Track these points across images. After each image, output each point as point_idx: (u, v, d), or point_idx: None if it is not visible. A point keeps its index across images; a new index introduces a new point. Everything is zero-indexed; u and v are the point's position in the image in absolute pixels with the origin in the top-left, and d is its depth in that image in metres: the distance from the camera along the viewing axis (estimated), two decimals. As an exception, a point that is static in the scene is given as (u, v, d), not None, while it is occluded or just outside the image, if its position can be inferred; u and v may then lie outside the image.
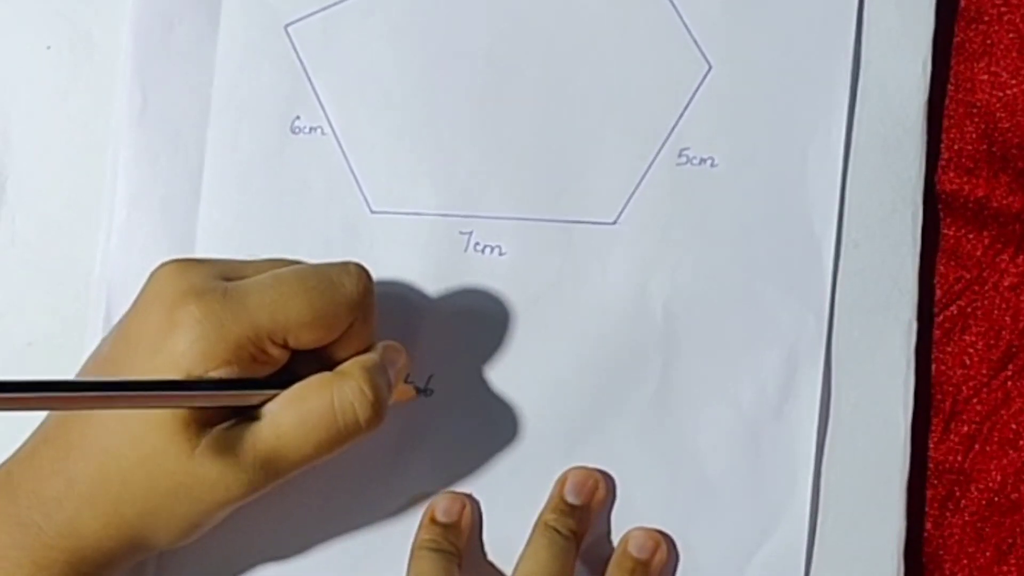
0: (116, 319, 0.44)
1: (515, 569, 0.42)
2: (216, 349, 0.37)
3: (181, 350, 0.37)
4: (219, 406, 0.37)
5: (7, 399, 0.33)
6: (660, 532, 0.43)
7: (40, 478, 0.38)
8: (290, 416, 0.38)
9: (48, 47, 0.47)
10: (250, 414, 0.38)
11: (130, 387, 0.36)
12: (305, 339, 0.38)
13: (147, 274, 0.44)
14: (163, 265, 0.39)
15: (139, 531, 0.38)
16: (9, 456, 0.40)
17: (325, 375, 0.38)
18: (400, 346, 0.41)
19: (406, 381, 0.44)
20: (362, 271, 0.39)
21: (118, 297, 0.45)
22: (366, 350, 0.40)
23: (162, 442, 0.37)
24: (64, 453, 0.38)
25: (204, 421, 0.37)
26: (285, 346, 0.38)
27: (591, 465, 0.44)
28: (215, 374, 0.37)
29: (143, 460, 0.37)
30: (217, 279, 0.38)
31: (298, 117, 0.46)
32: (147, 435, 0.37)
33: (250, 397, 0.38)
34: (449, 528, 0.43)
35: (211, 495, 0.38)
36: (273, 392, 0.38)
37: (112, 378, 0.38)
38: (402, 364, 0.41)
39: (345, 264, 0.39)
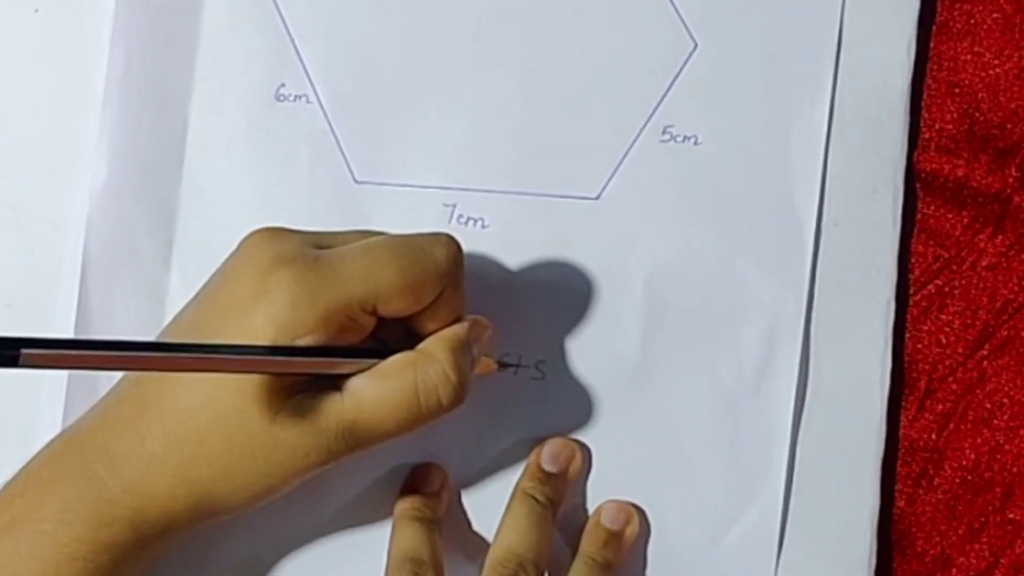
0: (93, 283, 0.45)
1: (495, 537, 0.43)
2: (308, 316, 0.37)
3: (272, 315, 0.37)
4: (306, 374, 0.38)
5: (94, 357, 0.33)
6: (632, 504, 0.44)
7: (110, 435, 0.38)
8: (373, 393, 0.38)
9: (36, 10, 0.47)
10: (334, 384, 0.38)
11: (226, 351, 0.36)
12: (395, 307, 0.38)
13: (127, 239, 0.45)
14: (254, 233, 0.39)
15: (209, 492, 0.38)
16: (80, 417, 0.40)
17: (410, 355, 0.39)
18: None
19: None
20: (452, 241, 0.40)
21: (97, 261, 0.45)
22: (455, 321, 0.40)
23: (244, 404, 0.37)
24: (139, 411, 0.38)
25: (287, 386, 0.38)
26: (374, 314, 0.38)
27: (568, 436, 0.44)
28: (304, 341, 0.37)
29: (223, 421, 0.37)
30: (309, 247, 0.38)
31: (283, 85, 0.46)
32: (228, 396, 0.37)
33: (339, 366, 0.38)
34: (429, 497, 0.43)
35: (290, 460, 0.38)
36: (361, 363, 0.38)
37: (210, 342, 0.37)
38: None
39: (436, 234, 0.40)
